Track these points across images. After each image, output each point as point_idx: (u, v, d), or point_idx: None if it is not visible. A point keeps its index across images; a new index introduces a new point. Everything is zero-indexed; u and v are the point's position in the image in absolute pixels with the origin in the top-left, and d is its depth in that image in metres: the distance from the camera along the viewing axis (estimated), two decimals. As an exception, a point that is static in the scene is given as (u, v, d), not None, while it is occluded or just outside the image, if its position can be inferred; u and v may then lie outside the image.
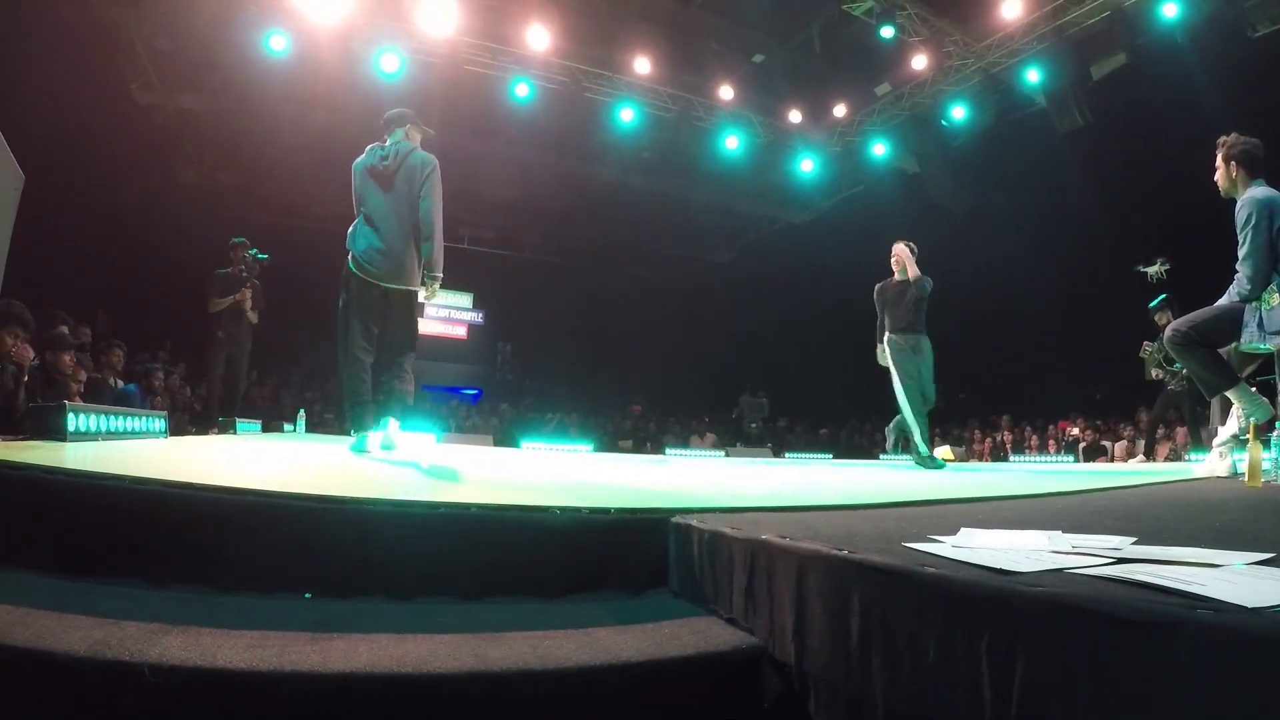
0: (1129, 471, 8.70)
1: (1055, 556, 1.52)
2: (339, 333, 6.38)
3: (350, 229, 6.53)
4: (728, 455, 16.57)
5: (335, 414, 18.86)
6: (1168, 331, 5.49)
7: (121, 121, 16.47)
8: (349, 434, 6.64)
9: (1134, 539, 1.76)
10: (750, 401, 23.94)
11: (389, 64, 16.16)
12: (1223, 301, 5.41)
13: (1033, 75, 16.56)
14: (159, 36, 15.61)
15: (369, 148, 6.79)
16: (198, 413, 12.54)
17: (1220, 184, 5.66)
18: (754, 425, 23.37)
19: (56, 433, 4.44)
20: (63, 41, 13.78)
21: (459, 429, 20.23)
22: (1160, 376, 13.38)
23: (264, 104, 17.20)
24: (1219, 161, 5.64)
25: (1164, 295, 12.78)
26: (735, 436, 23.07)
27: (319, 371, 21.96)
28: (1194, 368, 5.46)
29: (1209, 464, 5.91)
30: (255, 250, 11.59)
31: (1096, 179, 17.61)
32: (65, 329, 8.96)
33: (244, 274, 11.32)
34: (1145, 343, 13.48)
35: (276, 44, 15.46)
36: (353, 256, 6.38)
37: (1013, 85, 17.25)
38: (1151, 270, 12.43)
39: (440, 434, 16.61)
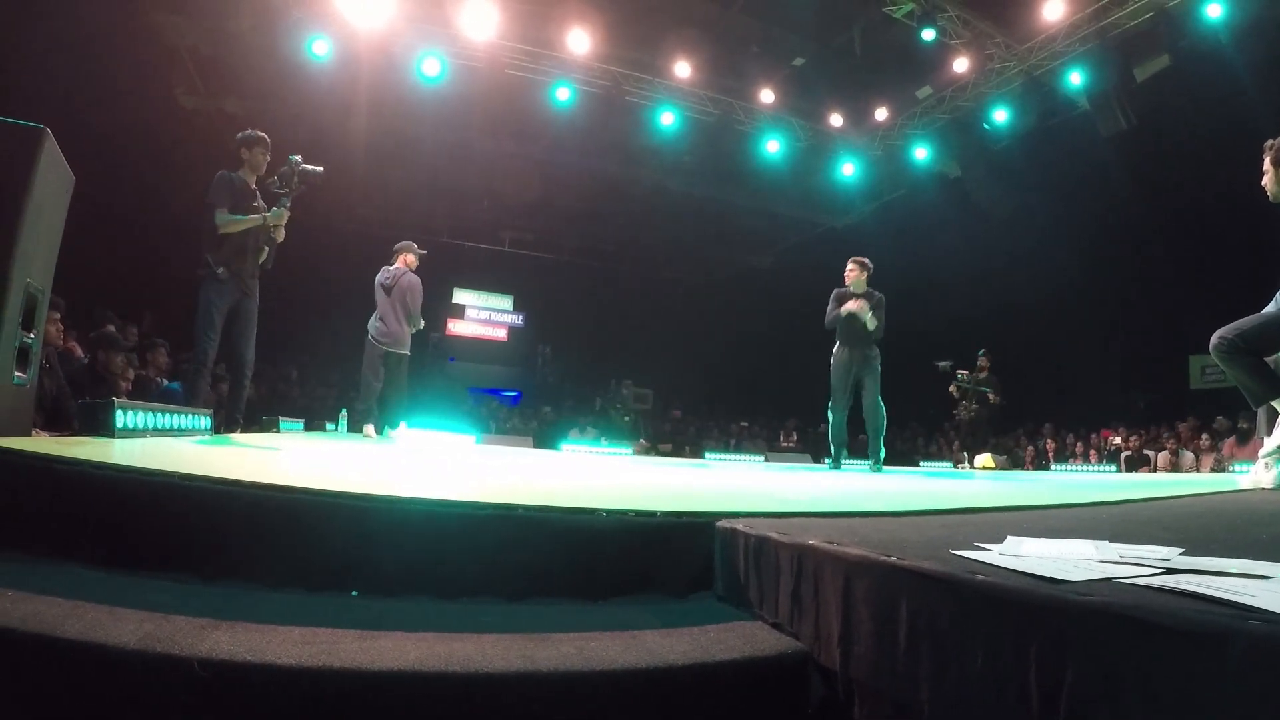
0: (1173, 481, 8.59)
1: (1104, 566, 1.51)
2: (365, 371, 10.97)
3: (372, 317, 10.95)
4: (766, 460, 16.54)
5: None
6: (1213, 339, 5.34)
7: (166, 125, 16.67)
8: (360, 429, 10.95)
9: (1181, 549, 1.75)
10: (635, 391, 23.65)
11: (430, 68, 16.29)
12: (1270, 309, 5.28)
13: (1075, 78, 16.46)
14: (203, 42, 15.82)
15: (383, 268, 11.15)
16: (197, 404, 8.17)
17: (1269, 188, 5.51)
18: (626, 418, 22.99)
19: (105, 429, 4.49)
20: (110, 47, 13.98)
21: (499, 430, 20.32)
22: (955, 394, 16.40)
23: (307, 108, 17.36)
24: (1267, 165, 5.48)
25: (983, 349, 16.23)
26: (605, 429, 22.64)
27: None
28: (1239, 376, 5.30)
29: (1254, 475, 5.79)
30: (300, 158, 8.15)
31: (1141, 183, 17.46)
32: (113, 329, 9.07)
33: (281, 190, 7.95)
34: (960, 371, 16.25)
35: (319, 49, 15.63)
36: (370, 332, 10.91)
37: (1055, 88, 17.14)
38: (942, 365, 15.62)
39: (480, 435, 16.68)
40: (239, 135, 8.07)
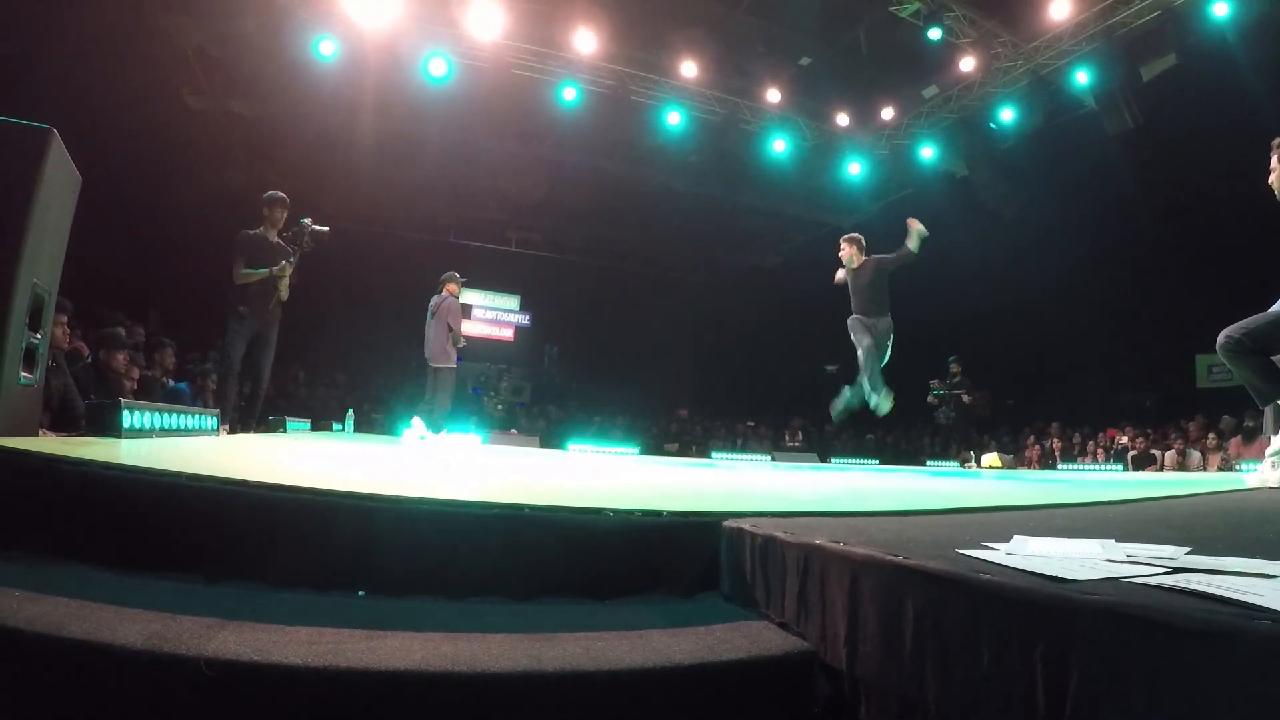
0: (1179, 481, 8.58)
1: (1110, 565, 1.51)
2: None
3: None
4: (773, 459, 16.56)
5: (382, 414, 19.06)
6: (1220, 338, 5.32)
7: (173, 126, 16.69)
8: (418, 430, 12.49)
9: (1188, 549, 1.75)
10: (513, 383, 23.51)
11: (437, 69, 16.25)
12: (1276, 308, 5.27)
13: (1082, 77, 16.39)
14: (209, 43, 15.82)
15: (432, 297, 12.58)
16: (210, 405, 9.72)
17: (1275, 187, 5.50)
18: (500, 406, 22.78)
19: (112, 429, 4.51)
20: (116, 48, 13.98)
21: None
22: (933, 402, 17.52)
23: (313, 108, 17.39)
24: (1274, 163, 5.46)
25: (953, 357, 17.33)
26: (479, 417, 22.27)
27: (367, 372, 22.17)
28: (1245, 375, 5.28)
29: (1261, 474, 5.76)
30: (310, 220, 9.56)
31: (1147, 181, 17.42)
32: (122, 330, 9.07)
33: (292, 247, 9.29)
34: (932, 381, 17.45)
35: (325, 49, 15.61)
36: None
37: (1062, 87, 17.08)
38: (829, 368, 16.38)
39: (487, 435, 16.69)
40: (264, 195, 9.48)
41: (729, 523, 2.40)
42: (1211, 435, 16.60)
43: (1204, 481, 7.81)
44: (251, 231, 9.18)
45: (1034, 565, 1.47)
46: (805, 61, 19.04)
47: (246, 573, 2.23)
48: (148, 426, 5.00)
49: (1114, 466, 17.15)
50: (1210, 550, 1.74)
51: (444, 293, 12.55)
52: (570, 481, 4.42)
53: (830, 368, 16.26)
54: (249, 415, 9.19)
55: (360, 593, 2.23)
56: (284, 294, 9.20)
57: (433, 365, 12.47)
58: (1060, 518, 2.91)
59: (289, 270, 9.14)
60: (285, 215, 9.42)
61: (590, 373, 27.12)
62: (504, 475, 4.72)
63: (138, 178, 15.13)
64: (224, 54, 16.10)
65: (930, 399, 17.44)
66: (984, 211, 19.60)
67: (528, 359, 27.91)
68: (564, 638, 1.84)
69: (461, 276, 12.82)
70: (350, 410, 15.84)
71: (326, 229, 9.61)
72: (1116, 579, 1.38)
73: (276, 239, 9.26)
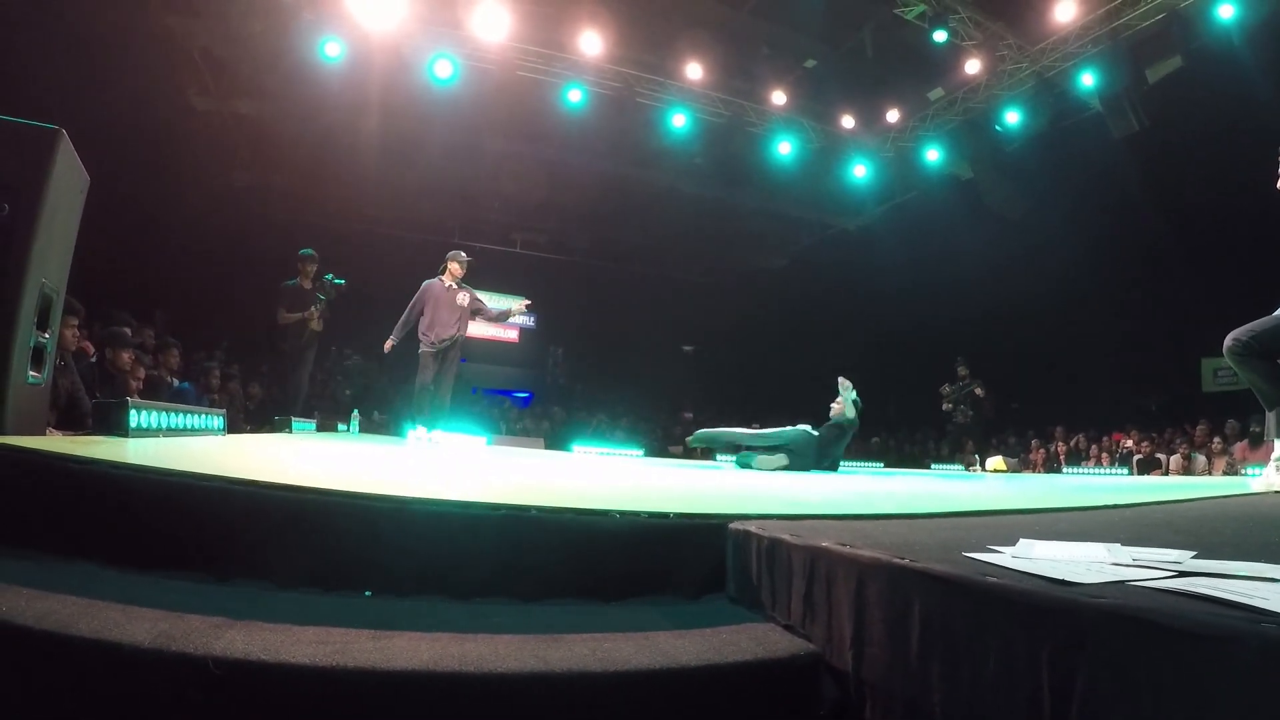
0: (1185, 485, 8.55)
1: (1116, 569, 1.51)
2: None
3: None
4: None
5: (387, 415, 19.05)
6: (1227, 341, 5.29)
7: (179, 127, 16.75)
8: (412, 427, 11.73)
9: (1193, 552, 1.75)
10: (360, 364, 23.36)
11: (442, 70, 16.28)
12: (1281, 312, 5.26)
13: (1087, 79, 16.37)
14: (216, 44, 15.86)
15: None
16: (250, 411, 13.31)
17: (1286, 190, 5.46)
18: (349, 391, 22.43)
19: (119, 428, 4.50)
20: (123, 50, 14.02)
21: (510, 431, 20.30)
22: (949, 408, 17.45)
23: (318, 110, 17.41)
24: (1282, 167, 5.45)
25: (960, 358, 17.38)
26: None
27: (371, 373, 22.14)
28: (1252, 379, 5.25)
29: (1266, 478, 5.74)
30: (331, 275, 12.27)
31: (1153, 184, 17.39)
32: (128, 330, 9.09)
33: (318, 295, 12.03)
34: (943, 387, 17.49)
35: (331, 51, 15.63)
36: None
37: (1067, 89, 17.07)
38: (688, 348, 16.52)
39: (491, 437, 16.68)
40: (299, 252, 12.19)
41: (735, 525, 2.40)
42: (1217, 439, 16.56)
43: (1209, 485, 7.78)
44: (290, 283, 11.99)
45: (1040, 568, 1.48)
46: (810, 63, 19.07)
47: (254, 572, 2.23)
48: (154, 426, 4.99)
49: (1119, 470, 17.11)
50: (1216, 554, 1.74)
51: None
52: (576, 483, 4.42)
53: (687, 348, 16.31)
54: (284, 411, 11.24)
55: (367, 593, 2.23)
56: (317, 326, 12.03)
57: None
58: (1066, 521, 2.90)
59: (316, 313, 11.94)
60: (316, 268, 12.14)
61: (595, 374, 27.13)
62: (509, 476, 4.71)
63: (143, 178, 15.17)
64: (230, 55, 16.13)
65: (945, 406, 17.38)
66: (989, 214, 19.60)
67: (532, 360, 27.93)
68: (571, 639, 1.84)
69: (466, 256, 11.84)
70: (355, 411, 15.84)
71: (343, 281, 12.36)
72: (1122, 582, 1.38)
73: (309, 286, 12.03)
